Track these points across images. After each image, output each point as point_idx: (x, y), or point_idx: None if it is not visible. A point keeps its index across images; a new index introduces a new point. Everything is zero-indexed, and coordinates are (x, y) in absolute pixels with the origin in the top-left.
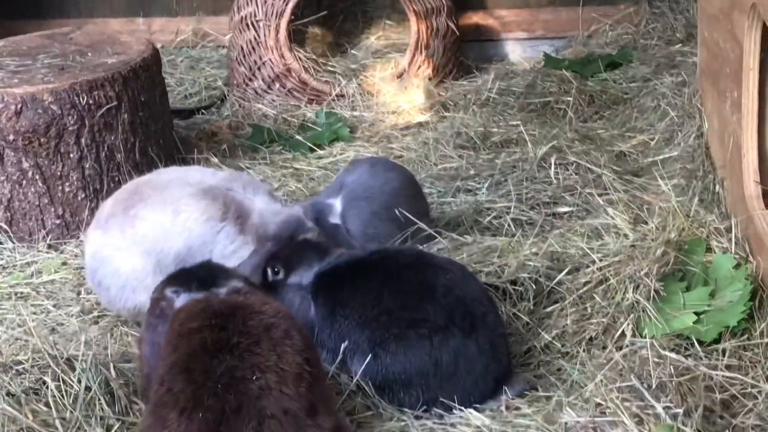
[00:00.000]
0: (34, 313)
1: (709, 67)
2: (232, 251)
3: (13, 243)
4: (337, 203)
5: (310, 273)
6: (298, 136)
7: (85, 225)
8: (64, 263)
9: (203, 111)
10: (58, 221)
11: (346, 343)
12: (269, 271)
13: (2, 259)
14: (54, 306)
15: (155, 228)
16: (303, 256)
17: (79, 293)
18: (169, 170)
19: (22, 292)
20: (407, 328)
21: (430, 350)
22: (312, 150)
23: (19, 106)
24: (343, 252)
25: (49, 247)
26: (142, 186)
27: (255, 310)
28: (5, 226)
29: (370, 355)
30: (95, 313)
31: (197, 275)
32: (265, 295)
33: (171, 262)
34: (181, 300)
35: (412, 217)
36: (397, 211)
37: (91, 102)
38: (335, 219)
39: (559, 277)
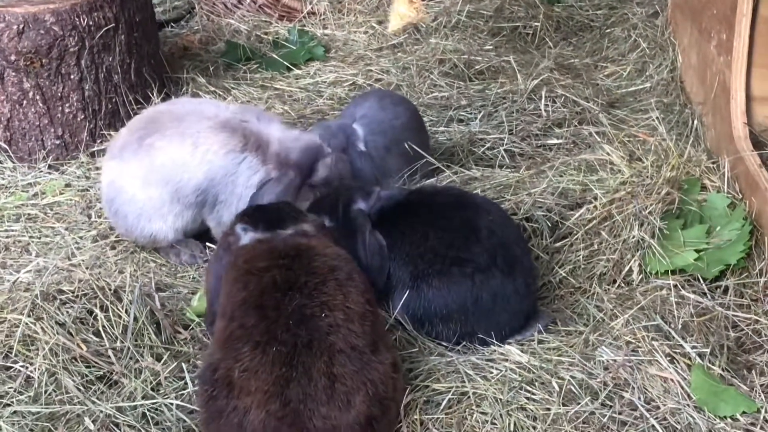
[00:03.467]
0: (47, 236)
1: (686, 2)
2: (259, 180)
3: (13, 163)
4: (358, 129)
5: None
6: (273, 54)
7: (84, 145)
8: (67, 185)
9: (172, 24)
10: (57, 141)
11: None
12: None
13: (4, 179)
14: (66, 230)
15: (174, 159)
16: (350, 196)
17: (89, 216)
18: (182, 101)
19: (29, 214)
20: (451, 265)
21: (471, 288)
22: (288, 69)
23: (21, 26)
24: (381, 192)
25: (50, 167)
26: (158, 116)
27: (318, 252)
28: (5, 146)
29: (409, 289)
30: (112, 238)
31: (266, 216)
32: (327, 240)
33: (191, 193)
34: (247, 238)
35: (421, 152)
36: (406, 145)
37: (91, 23)
38: (362, 146)
39: (571, 215)
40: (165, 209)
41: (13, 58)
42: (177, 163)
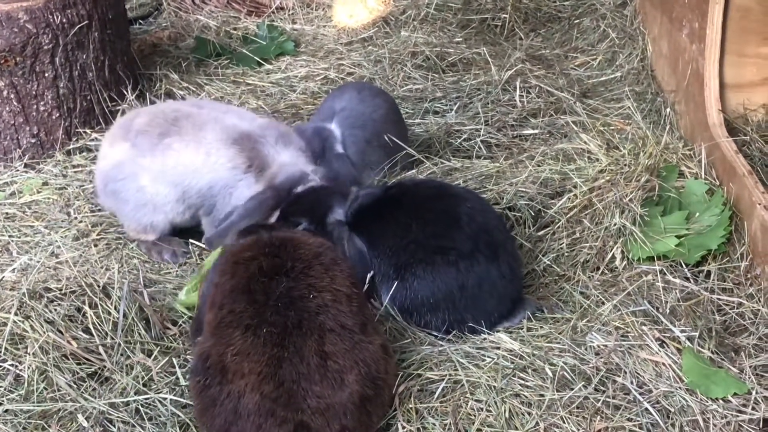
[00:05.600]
0: (26, 235)
1: None
2: (247, 196)
3: None
4: (335, 129)
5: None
6: (243, 50)
7: (60, 144)
8: (45, 183)
9: (140, 21)
10: (33, 140)
11: (372, 273)
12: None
13: None
14: (46, 228)
15: (186, 164)
16: (327, 202)
17: (69, 214)
18: (208, 105)
19: (7, 213)
20: (434, 254)
21: (456, 275)
22: (260, 64)
23: None
24: (359, 191)
25: (26, 166)
26: (182, 118)
27: (302, 241)
28: None
29: (394, 281)
30: (93, 236)
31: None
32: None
33: (194, 195)
34: None
35: (402, 143)
36: (386, 137)
37: (65, 20)
38: (339, 147)
39: (553, 204)
40: (169, 207)
41: None
42: (189, 168)
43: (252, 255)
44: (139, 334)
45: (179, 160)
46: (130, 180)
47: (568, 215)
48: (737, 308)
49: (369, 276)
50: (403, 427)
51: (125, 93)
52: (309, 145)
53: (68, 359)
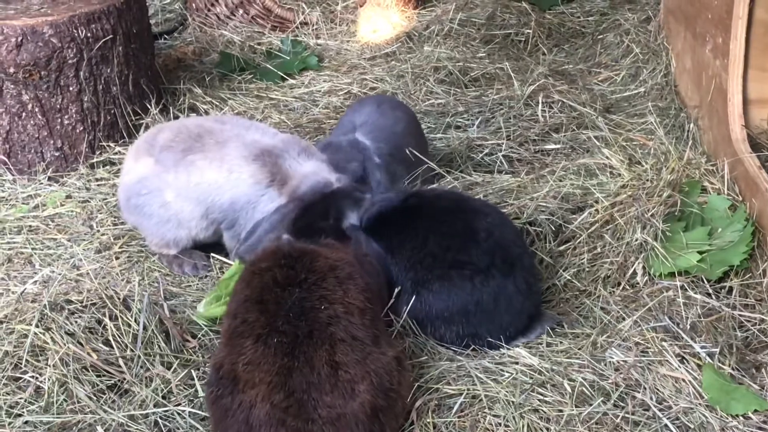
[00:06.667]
0: (49, 248)
1: (680, 8)
2: (270, 210)
3: (13, 175)
4: (366, 140)
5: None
6: (266, 64)
7: (83, 157)
8: (68, 196)
9: (165, 36)
10: (57, 153)
11: (398, 289)
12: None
13: (4, 191)
14: (68, 240)
15: (210, 181)
16: (339, 209)
17: (91, 227)
18: (231, 121)
19: (31, 226)
20: (449, 268)
21: (471, 290)
22: (283, 79)
23: (20, 38)
24: (376, 197)
25: (50, 179)
26: (205, 135)
27: (321, 254)
28: (4, 158)
29: (410, 295)
30: (115, 249)
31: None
32: (336, 245)
33: (216, 210)
34: None
35: (422, 158)
36: (408, 151)
37: (89, 35)
38: (376, 158)
39: (574, 219)
40: (193, 223)
41: (11, 70)
42: (212, 185)
43: (268, 266)
44: (159, 346)
45: (203, 177)
46: (154, 195)
47: (590, 230)
48: (759, 324)
49: (396, 291)
50: None
51: (149, 107)
52: (348, 157)
53: (88, 371)
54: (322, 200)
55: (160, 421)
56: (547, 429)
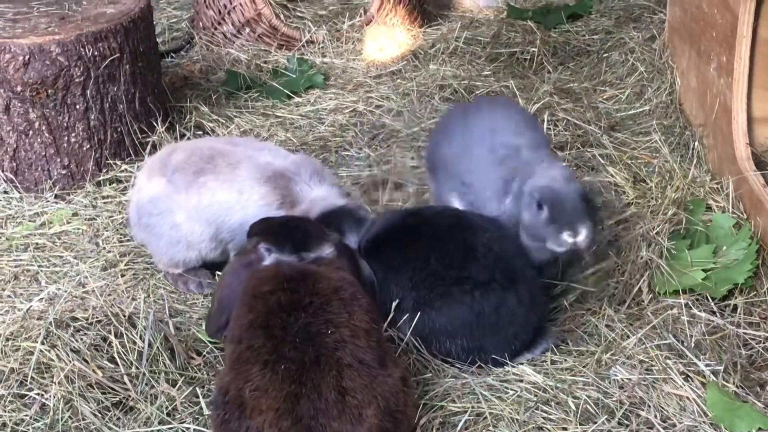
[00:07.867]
0: (56, 265)
1: (684, 26)
2: None
3: (20, 193)
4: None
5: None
6: (272, 82)
7: (90, 175)
8: (75, 214)
9: (172, 54)
10: (63, 171)
11: (396, 302)
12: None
13: (11, 209)
14: (74, 258)
15: (221, 203)
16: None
17: (97, 245)
18: (243, 143)
19: (37, 244)
20: (451, 285)
21: (471, 303)
22: (289, 97)
23: (27, 57)
24: (376, 216)
25: (56, 197)
26: (217, 156)
27: (323, 275)
28: (11, 176)
29: (413, 313)
30: (121, 266)
31: (293, 237)
32: (336, 264)
33: (225, 230)
34: (270, 259)
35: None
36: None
37: (96, 53)
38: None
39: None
40: (203, 245)
41: (19, 88)
42: (223, 207)
43: (270, 289)
44: (164, 363)
45: (214, 197)
46: (165, 216)
47: (594, 248)
48: (763, 342)
49: (394, 305)
50: None
51: (155, 125)
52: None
53: (93, 388)
54: (322, 219)
55: None
56: None
